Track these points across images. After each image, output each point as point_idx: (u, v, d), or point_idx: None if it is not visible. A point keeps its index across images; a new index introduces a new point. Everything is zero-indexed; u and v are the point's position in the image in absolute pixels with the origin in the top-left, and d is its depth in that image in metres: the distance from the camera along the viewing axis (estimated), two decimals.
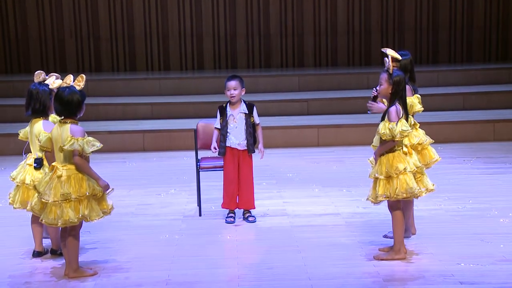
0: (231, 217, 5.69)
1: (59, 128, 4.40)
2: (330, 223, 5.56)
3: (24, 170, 4.81)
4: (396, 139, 4.55)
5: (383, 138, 4.59)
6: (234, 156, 5.64)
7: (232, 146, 5.62)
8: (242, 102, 5.63)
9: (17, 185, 4.84)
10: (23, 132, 4.92)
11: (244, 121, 5.60)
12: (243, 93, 5.61)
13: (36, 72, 4.88)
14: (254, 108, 5.64)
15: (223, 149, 5.62)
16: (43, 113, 4.76)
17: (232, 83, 5.55)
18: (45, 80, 4.85)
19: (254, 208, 5.75)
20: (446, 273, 4.45)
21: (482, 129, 8.79)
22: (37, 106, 4.73)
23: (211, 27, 11.28)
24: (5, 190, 6.41)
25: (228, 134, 5.60)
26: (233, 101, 5.59)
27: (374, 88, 4.83)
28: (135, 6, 11.17)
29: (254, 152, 5.64)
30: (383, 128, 4.57)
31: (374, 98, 4.83)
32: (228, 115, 5.60)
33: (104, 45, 11.23)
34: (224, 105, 5.65)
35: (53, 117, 4.85)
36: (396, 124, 4.53)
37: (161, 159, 8.19)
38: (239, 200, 5.71)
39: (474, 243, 5.01)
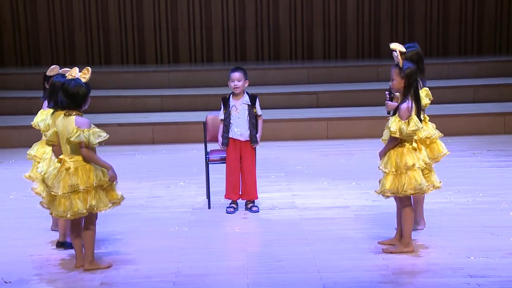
0: (231, 207, 5.74)
1: (64, 121, 4.42)
2: (339, 216, 5.56)
3: (55, 164, 4.79)
4: (403, 138, 4.53)
5: (392, 135, 4.58)
6: (236, 147, 5.68)
7: (234, 137, 5.66)
8: (245, 93, 5.67)
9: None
10: (44, 125, 4.92)
11: (247, 112, 5.64)
12: (246, 84, 5.65)
13: (51, 67, 4.89)
14: (257, 99, 5.68)
15: (226, 140, 5.66)
16: None
17: (236, 75, 5.58)
18: (64, 74, 4.86)
19: (257, 198, 5.78)
20: (456, 266, 4.44)
21: (493, 122, 8.73)
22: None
23: (220, 19, 11.27)
24: (15, 182, 6.47)
25: (231, 125, 5.65)
26: (236, 92, 5.63)
27: (387, 91, 4.79)
28: None
29: (257, 143, 5.67)
30: (394, 124, 4.55)
31: (391, 99, 4.79)
32: (230, 106, 5.65)
33: (113, 38, 11.25)
34: (227, 96, 5.71)
35: (45, 112, 4.85)
36: (409, 123, 4.50)
37: (170, 151, 8.21)
38: (242, 191, 5.75)
39: (483, 236, 4.99)
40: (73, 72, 4.50)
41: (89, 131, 4.35)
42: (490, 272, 4.34)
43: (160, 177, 6.98)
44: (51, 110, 4.69)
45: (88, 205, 4.36)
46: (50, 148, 4.72)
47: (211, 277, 4.38)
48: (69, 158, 4.40)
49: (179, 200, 6.15)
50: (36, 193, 4.95)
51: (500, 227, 5.16)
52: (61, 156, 4.43)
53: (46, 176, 4.51)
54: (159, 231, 5.30)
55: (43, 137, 4.93)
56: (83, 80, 4.44)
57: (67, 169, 4.36)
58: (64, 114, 4.43)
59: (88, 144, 4.35)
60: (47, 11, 11.13)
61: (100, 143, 4.39)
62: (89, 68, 4.50)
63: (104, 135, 4.39)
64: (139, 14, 11.21)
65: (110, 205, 4.46)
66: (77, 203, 4.34)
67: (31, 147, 5.13)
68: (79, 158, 4.39)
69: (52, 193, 4.40)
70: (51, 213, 4.50)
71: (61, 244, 4.91)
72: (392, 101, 4.78)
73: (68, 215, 4.37)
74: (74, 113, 4.40)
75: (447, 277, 4.29)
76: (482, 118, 8.75)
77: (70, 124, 4.37)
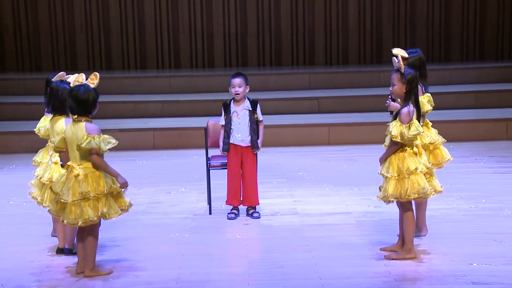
0: (233, 213, 5.72)
1: (73, 127, 4.40)
2: (341, 222, 5.54)
3: (51, 169, 4.80)
4: (404, 143, 4.51)
5: (393, 140, 4.56)
6: (237, 153, 5.67)
7: (235, 143, 5.65)
8: (246, 99, 5.67)
9: (43, 184, 4.82)
10: (44, 130, 4.92)
11: (248, 118, 5.63)
12: (247, 90, 5.65)
13: (59, 74, 4.90)
14: (258, 105, 5.67)
15: (227, 145, 5.65)
16: (62, 111, 4.73)
17: (237, 80, 5.58)
18: (63, 80, 4.86)
19: (258, 204, 5.77)
20: (458, 273, 4.42)
21: (494, 128, 8.71)
22: (56, 104, 4.73)
23: (221, 25, 11.27)
24: (15, 188, 6.46)
25: (231, 130, 5.64)
26: (237, 98, 5.62)
27: (387, 101, 4.75)
28: (146, 4, 11.19)
29: (259, 148, 5.65)
30: (395, 129, 4.53)
31: (393, 101, 4.77)
32: (231, 111, 5.64)
33: (114, 44, 11.25)
34: (228, 102, 5.71)
35: (48, 118, 4.85)
36: (410, 128, 4.48)
37: (171, 157, 8.20)
38: (242, 197, 5.74)
39: (486, 243, 4.97)
40: (80, 78, 4.48)
41: (99, 137, 4.34)
42: (492, 279, 4.32)
43: (161, 183, 6.97)
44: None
45: (99, 213, 4.34)
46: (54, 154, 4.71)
47: (212, 284, 4.36)
48: (78, 165, 4.37)
49: (180, 206, 6.13)
50: (32, 197, 4.93)
51: (503, 234, 5.14)
52: (69, 163, 4.41)
53: (53, 183, 4.47)
54: (160, 237, 5.28)
55: (49, 143, 4.92)
56: (92, 86, 4.43)
57: (76, 176, 4.34)
58: (74, 120, 4.41)
59: (98, 151, 4.33)
60: (48, 16, 11.14)
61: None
62: (97, 73, 4.48)
63: (113, 142, 4.38)
64: (140, 20, 11.22)
65: (120, 212, 4.44)
66: (87, 211, 4.31)
67: (31, 152, 5.12)
68: (88, 165, 4.37)
69: (62, 200, 4.36)
70: (62, 221, 4.47)
71: (61, 250, 4.89)
72: (394, 102, 4.75)
73: (80, 223, 4.35)
74: (83, 119, 4.38)
75: (450, 284, 4.26)
76: (483, 124, 8.73)
77: (80, 131, 4.35)
